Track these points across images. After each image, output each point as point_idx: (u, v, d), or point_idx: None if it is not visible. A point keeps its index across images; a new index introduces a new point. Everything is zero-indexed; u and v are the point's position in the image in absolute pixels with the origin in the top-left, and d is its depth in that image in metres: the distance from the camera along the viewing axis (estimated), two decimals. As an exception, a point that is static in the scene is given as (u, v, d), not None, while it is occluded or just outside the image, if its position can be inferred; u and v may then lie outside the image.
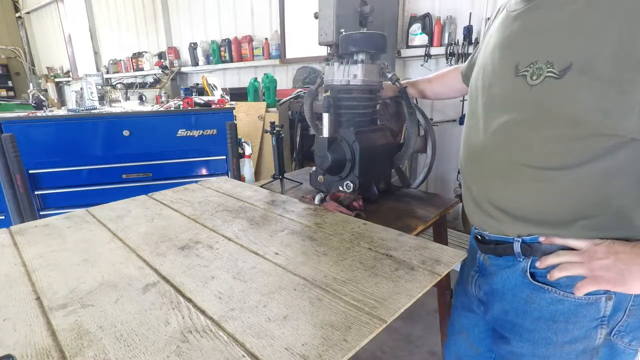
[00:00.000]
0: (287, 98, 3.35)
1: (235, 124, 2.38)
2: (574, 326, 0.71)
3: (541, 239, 0.72)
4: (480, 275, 0.89)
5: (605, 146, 0.61)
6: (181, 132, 2.63)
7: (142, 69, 6.12)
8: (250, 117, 3.49)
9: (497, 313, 0.82)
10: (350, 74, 1.16)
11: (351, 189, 1.16)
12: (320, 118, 1.17)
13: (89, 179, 2.56)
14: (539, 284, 0.73)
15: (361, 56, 1.15)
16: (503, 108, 0.71)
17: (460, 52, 2.74)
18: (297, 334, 0.55)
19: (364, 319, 0.58)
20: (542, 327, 0.74)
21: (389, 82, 1.21)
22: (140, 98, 3.68)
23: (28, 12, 8.98)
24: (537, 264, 0.73)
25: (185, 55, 5.45)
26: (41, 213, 2.46)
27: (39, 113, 2.77)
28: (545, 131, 0.64)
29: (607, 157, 0.61)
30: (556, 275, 0.69)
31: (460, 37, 2.76)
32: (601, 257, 0.64)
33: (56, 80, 8.40)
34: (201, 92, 3.23)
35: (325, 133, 1.15)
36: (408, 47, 3.04)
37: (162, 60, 5.68)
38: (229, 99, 3.06)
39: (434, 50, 2.89)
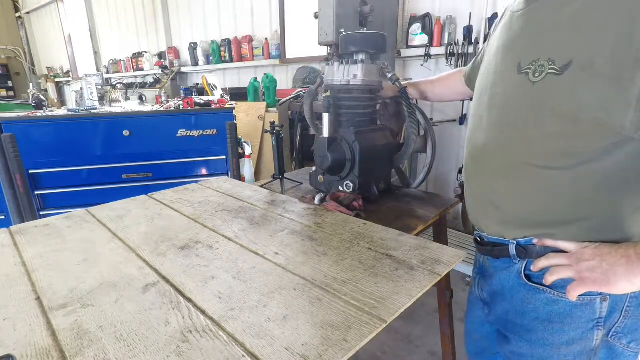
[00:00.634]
0: (287, 98, 3.35)
1: (235, 124, 2.38)
2: (570, 327, 0.71)
3: (534, 240, 0.73)
4: (481, 277, 0.90)
5: (604, 145, 0.61)
6: (181, 132, 2.63)
7: (142, 69, 6.12)
8: (250, 117, 3.49)
9: (499, 313, 0.83)
10: (350, 74, 1.16)
11: (351, 189, 1.16)
12: (320, 118, 1.17)
13: (89, 179, 2.56)
14: (535, 285, 0.74)
15: (361, 56, 1.15)
16: (506, 106, 0.72)
17: (460, 52, 2.74)
18: (297, 334, 0.55)
19: (364, 319, 0.58)
20: (539, 327, 0.74)
21: (389, 82, 1.21)
22: (140, 98, 3.68)
23: (28, 12, 8.98)
24: (532, 267, 0.73)
25: (185, 55, 5.45)
26: (41, 213, 2.46)
27: (39, 113, 2.77)
28: (546, 128, 0.65)
29: (606, 157, 0.62)
30: (549, 279, 0.70)
31: (460, 37, 2.76)
32: (588, 258, 0.65)
33: (56, 80, 8.40)
34: (201, 92, 3.22)
35: (325, 133, 1.15)
36: (408, 47, 3.04)
37: (162, 60, 5.69)
38: (229, 99, 3.06)
39: (434, 50, 2.90)
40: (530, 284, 0.74)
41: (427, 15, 2.90)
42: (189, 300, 0.64)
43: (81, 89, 2.95)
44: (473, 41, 2.69)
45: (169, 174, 2.69)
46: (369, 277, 0.70)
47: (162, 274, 0.73)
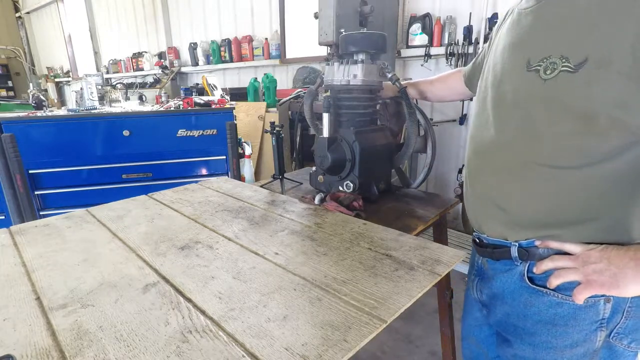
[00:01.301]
0: (287, 98, 3.35)
1: (235, 124, 2.38)
2: (574, 330, 0.70)
3: (537, 242, 0.72)
4: (480, 279, 0.88)
5: (618, 145, 0.60)
6: (181, 132, 2.63)
7: (142, 69, 6.12)
8: (250, 117, 3.49)
9: (499, 316, 0.82)
10: (350, 74, 1.16)
11: (351, 189, 1.16)
12: (320, 118, 1.17)
13: (89, 179, 2.56)
14: (538, 287, 0.72)
15: (361, 56, 1.15)
16: (514, 104, 0.70)
17: (460, 52, 2.74)
18: (297, 334, 0.55)
19: (364, 319, 0.58)
20: (542, 330, 0.73)
21: (389, 82, 1.21)
22: (140, 98, 3.68)
23: (28, 12, 8.98)
24: (534, 270, 0.72)
25: (185, 55, 5.45)
26: (41, 213, 2.46)
27: (39, 113, 2.77)
28: (557, 127, 0.63)
29: (618, 157, 0.61)
30: (554, 283, 0.69)
31: (460, 37, 2.76)
32: (595, 261, 0.64)
33: (56, 80, 8.40)
34: (201, 92, 3.22)
35: (325, 133, 1.15)
36: (408, 47, 3.04)
37: (162, 60, 5.69)
38: (229, 99, 3.06)
39: (434, 50, 2.90)
40: (533, 286, 0.73)
41: (427, 15, 2.90)
42: (189, 300, 0.64)
43: (81, 89, 2.95)
44: (473, 41, 2.69)
45: (169, 174, 2.69)
46: (369, 277, 0.70)
47: (162, 274, 0.73)
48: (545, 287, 0.71)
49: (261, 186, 1.35)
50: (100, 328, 0.57)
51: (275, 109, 3.37)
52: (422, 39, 2.94)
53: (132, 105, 3.32)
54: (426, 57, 2.92)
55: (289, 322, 0.58)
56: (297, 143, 3.15)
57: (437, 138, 1.28)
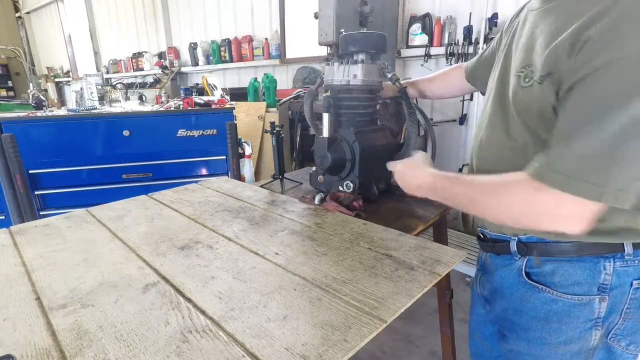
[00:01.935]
0: (287, 98, 3.35)
1: (235, 124, 2.38)
2: (568, 327, 0.71)
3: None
4: (483, 274, 0.90)
5: None
6: (181, 132, 2.63)
7: (142, 69, 6.12)
8: (250, 117, 3.49)
9: (499, 311, 0.83)
10: (350, 74, 1.16)
11: (351, 189, 1.16)
12: (320, 118, 1.17)
13: (89, 179, 2.56)
14: (534, 283, 0.74)
15: (361, 56, 1.15)
16: (505, 105, 0.72)
17: (460, 52, 2.74)
18: (297, 334, 0.55)
19: (364, 319, 0.58)
20: (536, 326, 0.74)
21: (389, 82, 1.21)
22: (140, 98, 3.68)
23: (28, 12, 8.98)
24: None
25: (185, 55, 5.44)
26: (41, 213, 2.46)
27: (39, 113, 2.77)
28: (517, 136, 0.68)
29: None
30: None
31: (460, 37, 2.76)
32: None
33: (56, 80, 8.40)
34: (201, 92, 3.23)
35: (325, 133, 1.15)
36: (408, 47, 3.04)
37: (162, 60, 5.68)
38: (229, 99, 3.06)
39: (434, 50, 2.89)
40: (530, 282, 0.74)
41: (427, 15, 2.90)
42: (189, 300, 0.64)
43: (81, 89, 2.95)
44: (473, 41, 2.69)
45: (169, 174, 2.69)
46: (369, 277, 0.70)
47: (162, 274, 0.73)
48: (541, 283, 0.72)
49: (261, 186, 1.35)
50: (100, 328, 0.57)
51: (275, 109, 3.37)
52: (422, 39, 2.93)
53: (132, 105, 3.33)
54: (426, 57, 2.91)
55: (289, 322, 0.58)
56: (297, 143, 3.15)
57: (437, 138, 1.28)
